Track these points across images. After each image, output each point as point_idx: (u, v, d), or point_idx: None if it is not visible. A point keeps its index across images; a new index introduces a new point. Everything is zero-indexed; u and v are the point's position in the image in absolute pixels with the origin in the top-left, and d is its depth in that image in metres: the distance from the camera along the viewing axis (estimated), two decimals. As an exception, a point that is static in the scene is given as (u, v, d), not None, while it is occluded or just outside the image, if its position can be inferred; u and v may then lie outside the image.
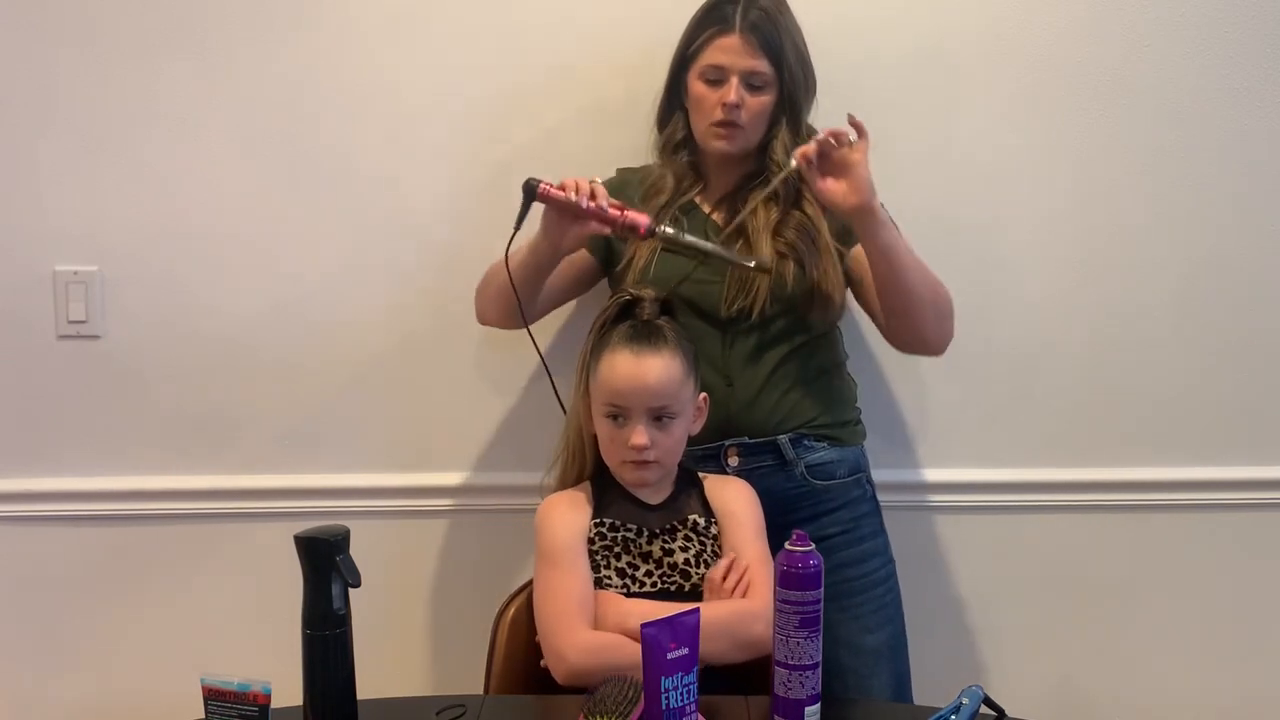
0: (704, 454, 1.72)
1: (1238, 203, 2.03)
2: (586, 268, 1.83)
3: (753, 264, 1.67)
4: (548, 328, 1.94)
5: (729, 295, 1.72)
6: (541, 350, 1.78)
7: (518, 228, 1.66)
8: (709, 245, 1.67)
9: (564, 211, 1.63)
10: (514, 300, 1.71)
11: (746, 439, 1.74)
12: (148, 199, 1.97)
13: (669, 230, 1.65)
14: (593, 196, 1.61)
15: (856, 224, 1.66)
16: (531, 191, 1.63)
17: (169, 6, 1.93)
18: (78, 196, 1.96)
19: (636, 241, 1.72)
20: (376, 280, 2.01)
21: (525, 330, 1.76)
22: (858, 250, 1.75)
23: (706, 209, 1.81)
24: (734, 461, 1.75)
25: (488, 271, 1.80)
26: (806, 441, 1.77)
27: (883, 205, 1.65)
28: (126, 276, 1.98)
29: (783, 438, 1.75)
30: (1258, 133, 2.02)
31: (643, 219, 1.64)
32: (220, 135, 1.96)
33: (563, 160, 1.95)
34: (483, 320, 1.86)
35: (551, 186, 1.63)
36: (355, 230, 1.99)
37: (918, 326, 1.76)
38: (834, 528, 1.76)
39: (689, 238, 1.67)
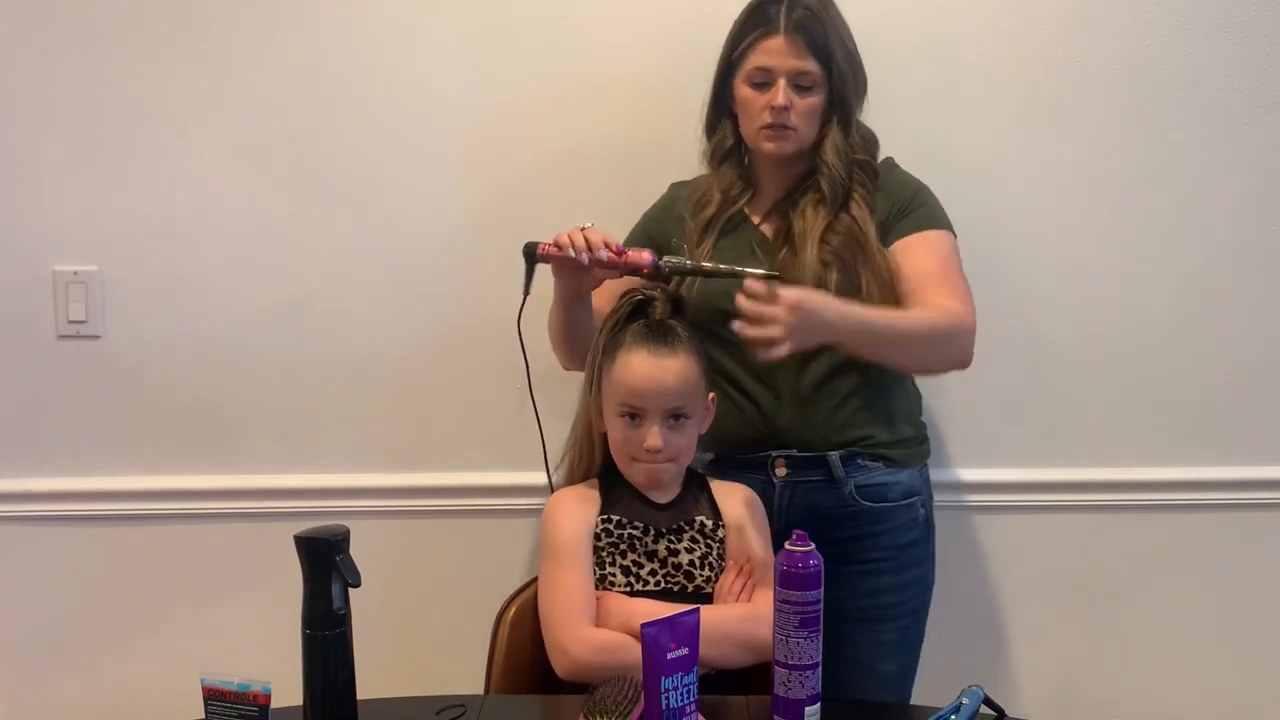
0: (751, 462, 1.70)
1: (1240, 203, 2.03)
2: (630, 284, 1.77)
3: (760, 273, 1.65)
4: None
5: None
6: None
7: (527, 292, 1.68)
8: (711, 265, 1.65)
9: (567, 265, 1.64)
10: (569, 347, 1.75)
11: (795, 452, 1.71)
12: (148, 199, 1.96)
13: (673, 261, 1.65)
14: (590, 248, 1.61)
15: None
16: (531, 255, 1.66)
17: (169, 6, 1.93)
18: (78, 196, 1.96)
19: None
20: (377, 280, 2.00)
21: (522, 355, 1.74)
22: (893, 247, 1.71)
23: (756, 219, 1.77)
24: (781, 473, 1.72)
25: (549, 320, 1.76)
26: (859, 460, 1.71)
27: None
28: (126, 276, 1.98)
29: (834, 455, 1.70)
30: (1260, 133, 2.01)
31: (645, 257, 1.64)
32: (220, 135, 1.96)
33: (565, 158, 1.96)
34: (567, 368, 1.81)
35: (550, 246, 1.64)
36: (355, 230, 1.99)
37: (924, 370, 1.76)
38: (879, 552, 1.72)
39: (691, 263, 1.65)
